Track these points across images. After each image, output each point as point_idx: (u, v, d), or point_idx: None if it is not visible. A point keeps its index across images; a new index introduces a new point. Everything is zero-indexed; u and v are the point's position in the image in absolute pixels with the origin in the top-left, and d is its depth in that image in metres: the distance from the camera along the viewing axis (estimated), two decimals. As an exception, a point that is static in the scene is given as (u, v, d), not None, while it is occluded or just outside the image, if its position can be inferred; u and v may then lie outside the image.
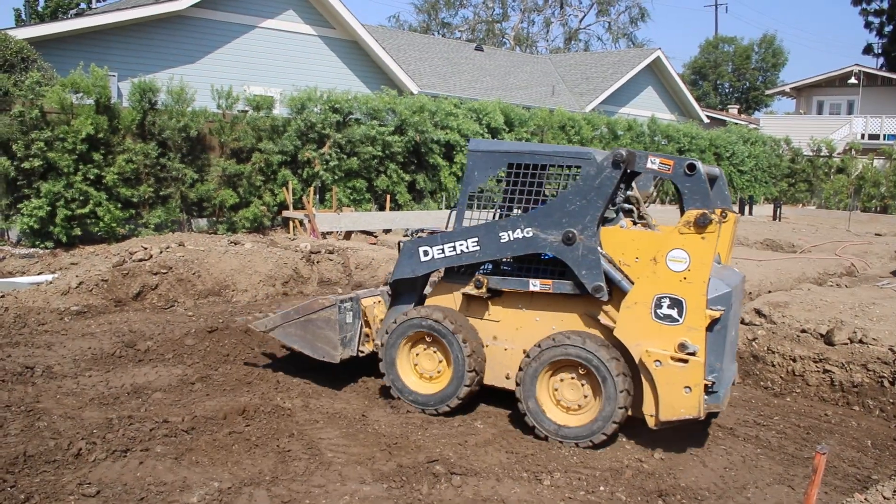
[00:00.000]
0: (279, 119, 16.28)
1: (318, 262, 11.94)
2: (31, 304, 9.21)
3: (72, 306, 9.41)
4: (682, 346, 5.60)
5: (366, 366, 7.41)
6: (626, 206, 6.51)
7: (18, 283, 10.25)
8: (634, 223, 6.50)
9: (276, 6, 22.33)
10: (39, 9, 46.21)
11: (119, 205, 13.75)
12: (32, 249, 12.83)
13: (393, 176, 17.58)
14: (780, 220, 25.91)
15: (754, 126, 39.86)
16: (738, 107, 55.40)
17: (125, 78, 18.27)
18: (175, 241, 12.72)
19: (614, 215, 6.21)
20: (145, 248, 11.69)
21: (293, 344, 7.05)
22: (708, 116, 40.06)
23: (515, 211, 6.46)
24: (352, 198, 17.36)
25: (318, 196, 16.85)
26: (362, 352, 7.14)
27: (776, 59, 62.01)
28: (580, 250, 5.89)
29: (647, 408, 5.82)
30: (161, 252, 11.57)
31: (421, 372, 6.64)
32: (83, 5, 44.76)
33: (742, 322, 8.97)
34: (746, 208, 28.25)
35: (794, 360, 7.97)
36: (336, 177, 16.90)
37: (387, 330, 6.72)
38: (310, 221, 15.68)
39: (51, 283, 10.16)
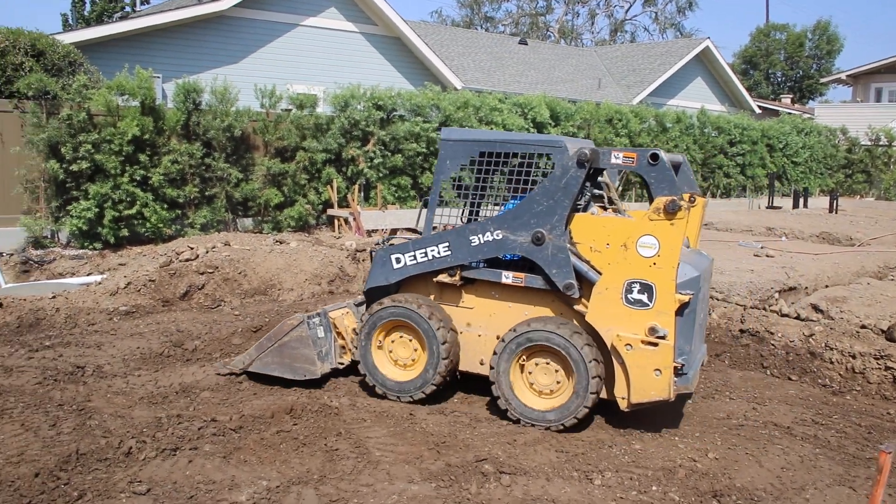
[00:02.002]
0: (323, 117, 16.27)
1: (363, 260, 11.90)
2: (81, 305, 9.32)
3: (120, 306, 9.48)
4: (653, 330, 5.75)
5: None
6: (597, 191, 6.71)
7: (69, 283, 10.37)
8: (605, 208, 6.65)
9: (318, 4, 22.36)
10: (86, 13, 47.05)
11: (165, 205, 13.85)
12: (81, 251, 12.98)
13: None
14: (836, 213, 25.28)
15: (808, 116, 38.95)
16: (791, 96, 54.14)
17: (169, 79, 18.43)
18: (221, 240, 12.78)
19: (587, 204, 6.41)
20: (192, 248, 11.75)
21: (273, 372, 6.95)
22: (760, 107, 39.25)
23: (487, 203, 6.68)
24: (396, 195, 17.29)
25: (362, 194, 16.82)
26: (342, 363, 7.16)
27: (831, 46, 60.35)
28: (550, 250, 6.06)
29: (619, 391, 5.99)
30: (207, 252, 11.62)
31: (396, 360, 6.74)
32: (128, 9, 45.45)
33: (798, 318, 8.71)
34: (801, 200, 27.62)
35: (854, 357, 7.69)
36: (380, 174, 16.85)
37: (361, 319, 6.85)
38: (354, 219, 15.66)
39: (100, 283, 10.26)
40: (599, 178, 6.67)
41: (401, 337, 6.71)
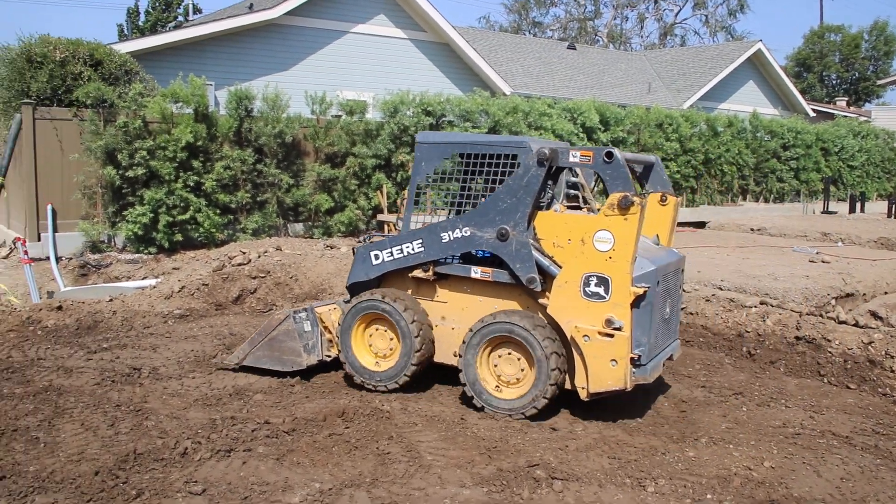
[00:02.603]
0: (372, 123, 16.37)
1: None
2: (137, 308, 9.49)
3: (175, 310, 9.64)
4: (609, 322, 5.94)
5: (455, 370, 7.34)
6: (572, 192, 7.02)
7: (124, 287, 10.58)
8: (579, 208, 6.91)
9: (367, 11, 22.54)
10: (140, 23, 48.03)
11: (218, 210, 14.04)
12: (137, 255, 13.23)
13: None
14: (894, 217, 24.68)
15: (865, 118, 38.07)
16: (846, 99, 53.04)
17: (221, 87, 18.71)
18: (272, 245, 12.95)
19: (549, 201, 6.63)
20: (244, 253, 11.92)
21: (265, 365, 7.30)
22: (814, 110, 38.49)
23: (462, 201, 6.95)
24: (446, 200, 17.29)
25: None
26: (329, 356, 7.44)
27: (888, 47, 58.84)
28: (513, 245, 6.29)
29: (579, 380, 6.21)
30: (259, 256, 11.78)
31: (375, 351, 7.04)
32: (181, 18, 46.26)
33: (856, 325, 8.51)
34: (857, 205, 27.03)
35: (916, 365, 7.48)
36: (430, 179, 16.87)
37: (343, 312, 7.17)
38: (404, 224, 15.68)
39: (154, 287, 10.45)
40: (574, 179, 7.00)
41: (377, 329, 7.00)
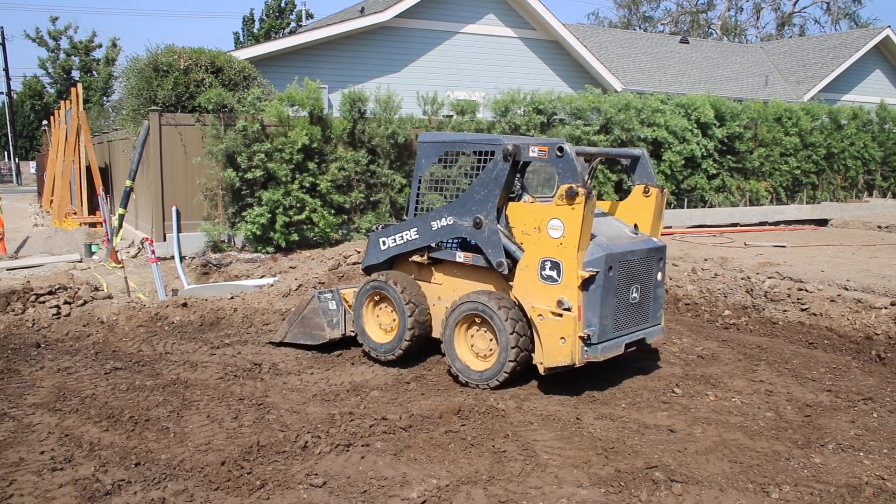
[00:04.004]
0: (483, 123, 16.39)
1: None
2: (256, 306, 9.78)
3: (292, 307, 9.89)
4: (560, 303, 6.46)
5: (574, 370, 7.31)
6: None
7: (244, 285, 10.92)
8: None
9: (476, 11, 22.61)
10: (255, 31, 49.54)
11: (332, 211, 14.33)
12: (255, 254, 13.64)
13: (599, 176, 17.23)
14: None
15: None
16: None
17: (335, 90, 19.12)
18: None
19: (519, 192, 7.44)
20: (358, 252, 12.14)
21: (300, 340, 8.24)
22: (949, 99, 36.39)
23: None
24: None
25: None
26: (353, 331, 8.19)
27: None
28: (486, 233, 6.94)
29: (538, 356, 6.72)
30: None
31: (382, 326, 7.87)
32: (294, 24, 47.49)
33: None
34: None
35: None
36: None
37: (356, 290, 8.10)
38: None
39: (272, 285, 10.75)
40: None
41: (384, 307, 7.83)
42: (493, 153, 6.99)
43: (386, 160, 14.95)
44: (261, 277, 11.94)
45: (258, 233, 13.61)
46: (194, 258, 13.29)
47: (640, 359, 8.01)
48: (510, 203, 6.99)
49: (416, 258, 7.71)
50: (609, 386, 7.14)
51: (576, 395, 6.90)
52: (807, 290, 9.81)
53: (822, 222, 21.05)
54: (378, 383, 7.14)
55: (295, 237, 13.86)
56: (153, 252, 11.47)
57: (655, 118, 17.99)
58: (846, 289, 10.10)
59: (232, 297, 9.95)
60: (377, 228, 8.09)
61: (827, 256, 13.48)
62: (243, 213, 13.75)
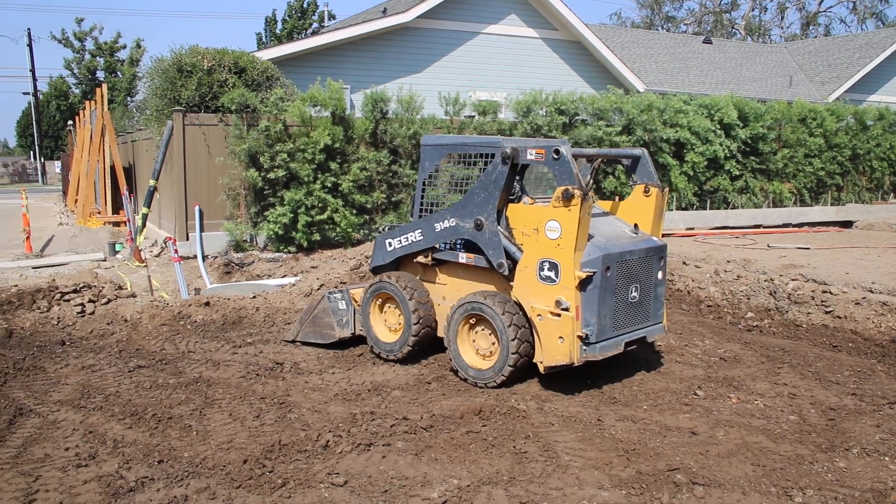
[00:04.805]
0: (505, 123, 16.38)
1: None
2: (279, 305, 9.83)
3: (304, 306, 9.92)
4: (558, 303, 6.53)
5: (595, 371, 7.26)
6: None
7: (266, 285, 10.97)
8: None
9: (498, 12, 22.59)
10: (277, 31, 49.76)
11: (354, 211, 14.37)
12: (277, 254, 13.71)
13: (621, 177, 17.18)
14: None
15: None
16: None
17: (357, 90, 19.17)
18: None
19: (519, 194, 7.44)
20: (378, 252, 12.12)
21: (310, 339, 8.37)
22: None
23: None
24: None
25: (542, 198, 16.73)
26: (362, 331, 8.23)
27: None
28: (487, 234, 7.03)
29: (538, 356, 6.80)
30: (393, 255, 11.94)
31: (389, 326, 7.97)
32: (316, 25, 47.67)
33: None
34: None
35: None
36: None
37: (363, 291, 8.15)
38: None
39: (294, 285, 10.79)
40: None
41: (391, 307, 7.94)
42: (493, 155, 7.07)
43: (408, 160, 14.97)
44: (283, 277, 11.99)
45: (280, 232, 13.67)
46: (217, 257, 13.37)
47: (662, 360, 7.98)
48: (510, 205, 7.08)
49: (420, 259, 7.87)
50: (630, 387, 7.11)
51: (597, 396, 6.88)
52: (831, 293, 9.72)
53: (847, 224, 20.85)
54: (399, 383, 7.15)
55: (317, 237, 13.91)
56: (176, 251, 11.54)
57: (678, 119, 17.89)
58: (871, 291, 10.00)
59: (254, 297, 10.00)
60: (384, 230, 8.20)
61: (851, 259, 13.36)
62: (265, 213, 13.81)
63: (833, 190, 21.48)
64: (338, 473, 5.13)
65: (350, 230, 14.18)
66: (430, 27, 21.55)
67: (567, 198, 6.39)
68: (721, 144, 18.37)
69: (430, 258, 7.75)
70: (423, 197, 7.90)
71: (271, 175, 13.57)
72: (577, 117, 17.09)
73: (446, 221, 7.39)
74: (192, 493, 4.81)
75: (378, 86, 16.22)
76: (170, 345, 8.30)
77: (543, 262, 6.63)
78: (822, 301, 9.62)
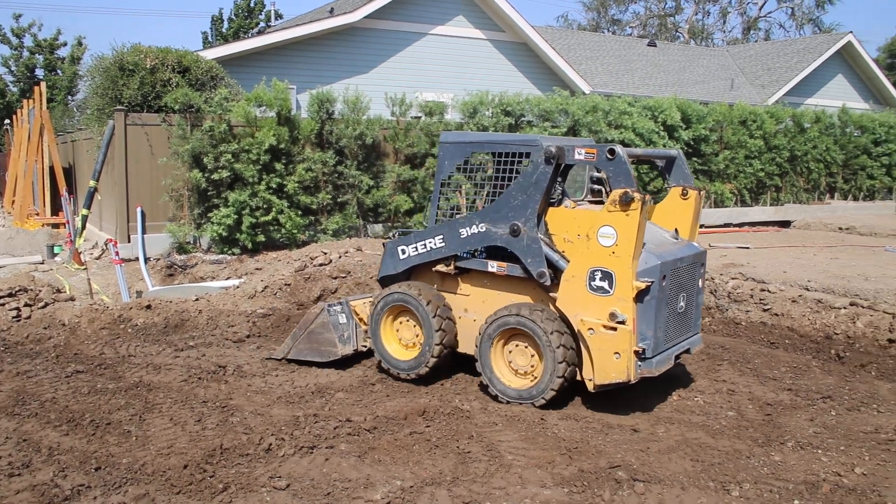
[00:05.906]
0: (452, 124, 16.40)
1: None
2: (222, 307, 9.72)
3: (258, 309, 9.84)
4: (613, 316, 6.06)
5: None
6: (596, 186, 7.25)
7: (209, 287, 10.84)
8: (601, 202, 6.82)
9: (445, 13, 22.62)
10: (224, 30, 49.21)
11: (299, 212, 14.26)
12: (221, 256, 13.54)
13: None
14: None
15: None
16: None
17: (303, 90, 19.02)
18: (353, 246, 13.10)
19: (560, 197, 6.88)
20: (325, 254, 12.10)
21: (306, 357, 7.69)
22: (908, 103, 36.99)
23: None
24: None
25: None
26: (365, 346, 7.80)
27: None
28: (525, 241, 6.51)
29: (587, 373, 6.36)
30: (340, 257, 11.94)
31: (403, 342, 7.39)
32: (263, 24, 47.25)
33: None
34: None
35: None
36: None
37: (373, 303, 7.49)
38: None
39: (238, 287, 10.68)
40: (597, 174, 7.17)
41: (406, 321, 7.33)
42: (528, 154, 6.63)
43: (354, 161, 14.92)
44: (226, 279, 11.85)
45: (224, 234, 13.51)
46: (159, 260, 13.16)
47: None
48: (550, 209, 6.61)
49: (440, 268, 7.23)
50: (573, 386, 7.18)
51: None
52: (769, 291, 9.95)
53: (786, 224, 21.36)
54: (343, 385, 7.13)
55: (261, 238, 13.78)
56: (117, 253, 11.34)
57: (623, 120, 18.13)
58: (807, 289, 10.25)
59: (197, 299, 9.88)
60: (394, 236, 7.63)
61: (789, 258, 13.68)
62: (209, 214, 13.64)
63: (772, 191, 21.97)
64: (280, 477, 5.09)
65: (295, 231, 14.07)
66: (377, 27, 21.49)
67: (626, 202, 5.94)
68: (664, 146, 18.65)
69: (452, 266, 7.13)
70: (442, 200, 7.39)
71: (215, 176, 13.40)
72: (523, 118, 17.20)
73: (475, 227, 6.81)
74: (130, 500, 4.73)
75: (325, 86, 16.13)
76: (109, 349, 8.14)
77: (595, 271, 6.15)
78: (761, 299, 9.84)
